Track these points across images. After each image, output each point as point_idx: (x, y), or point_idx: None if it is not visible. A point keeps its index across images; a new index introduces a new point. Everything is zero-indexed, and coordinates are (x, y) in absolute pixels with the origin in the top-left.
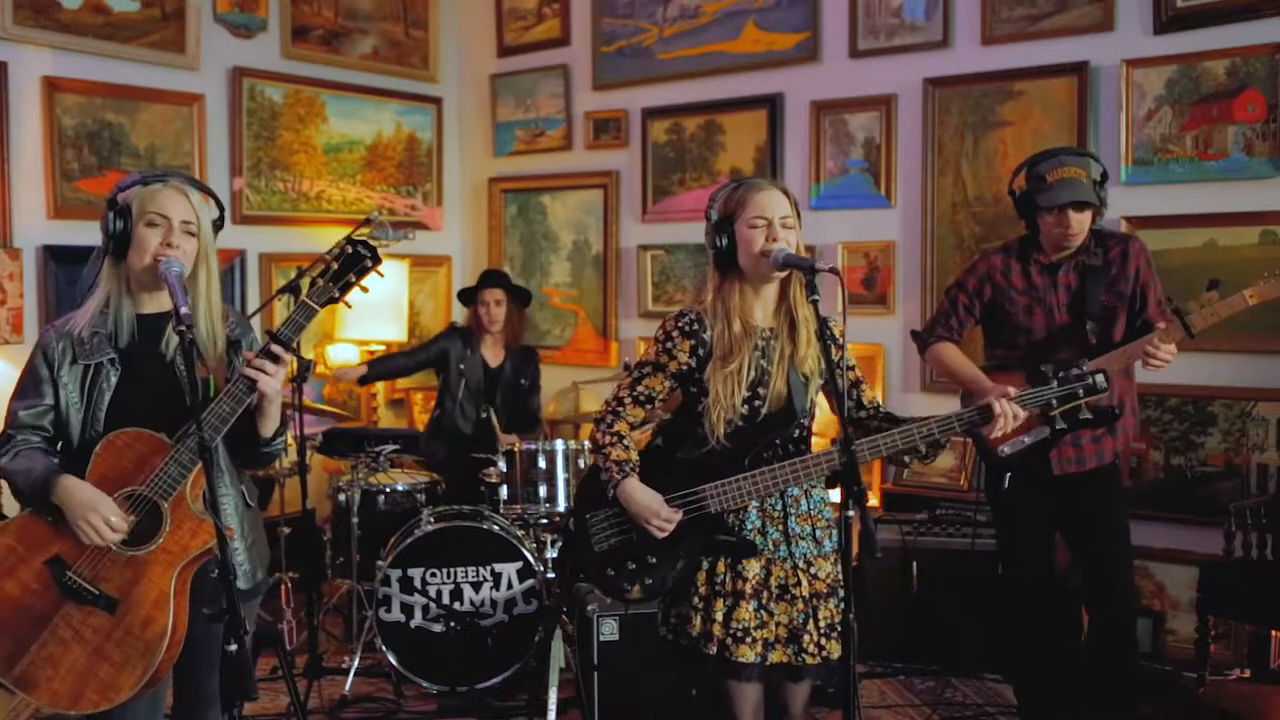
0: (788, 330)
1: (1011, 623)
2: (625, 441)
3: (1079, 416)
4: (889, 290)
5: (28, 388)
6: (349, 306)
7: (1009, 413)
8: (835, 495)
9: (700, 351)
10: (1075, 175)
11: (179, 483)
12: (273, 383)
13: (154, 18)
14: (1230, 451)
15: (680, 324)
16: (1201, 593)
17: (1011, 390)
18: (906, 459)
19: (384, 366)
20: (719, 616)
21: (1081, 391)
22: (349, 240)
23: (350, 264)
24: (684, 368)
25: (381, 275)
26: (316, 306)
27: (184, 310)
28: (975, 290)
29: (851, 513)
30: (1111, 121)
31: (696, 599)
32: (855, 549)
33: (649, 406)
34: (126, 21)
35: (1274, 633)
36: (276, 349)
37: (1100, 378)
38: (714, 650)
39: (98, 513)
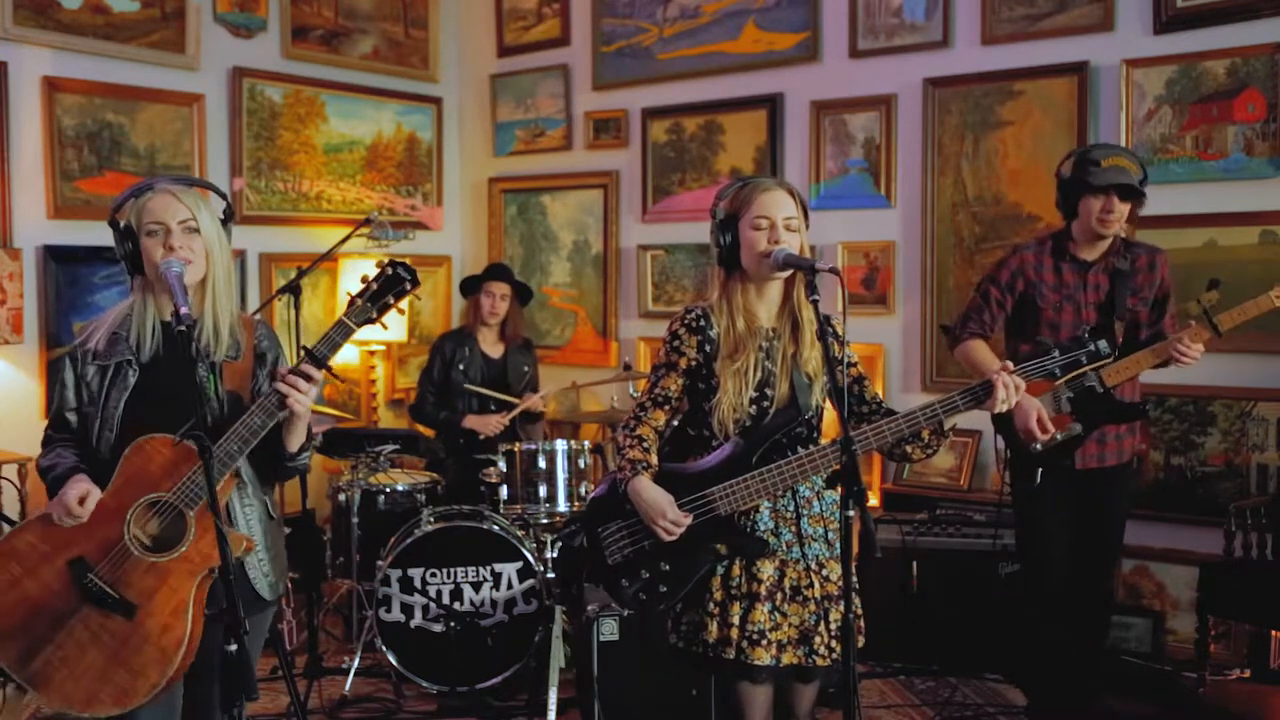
0: (790, 331)
1: (1027, 622)
2: (645, 444)
3: (1099, 407)
4: (889, 290)
5: (55, 390)
6: (385, 328)
7: (1010, 384)
8: (837, 495)
9: (707, 347)
10: (1128, 166)
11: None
12: (304, 400)
13: (154, 18)
14: (1230, 451)
15: (686, 320)
16: (1201, 593)
17: (1010, 364)
18: (909, 449)
19: (432, 410)
20: (736, 620)
21: (1085, 359)
22: (391, 263)
23: (390, 285)
24: (693, 363)
25: (419, 299)
26: (354, 326)
27: (184, 310)
28: (1008, 284)
29: (851, 513)
30: (1111, 121)
31: (712, 604)
32: (855, 549)
33: (667, 408)
34: (126, 21)
35: (1274, 633)
36: (309, 368)
37: (1103, 343)
38: (732, 655)
39: (69, 494)
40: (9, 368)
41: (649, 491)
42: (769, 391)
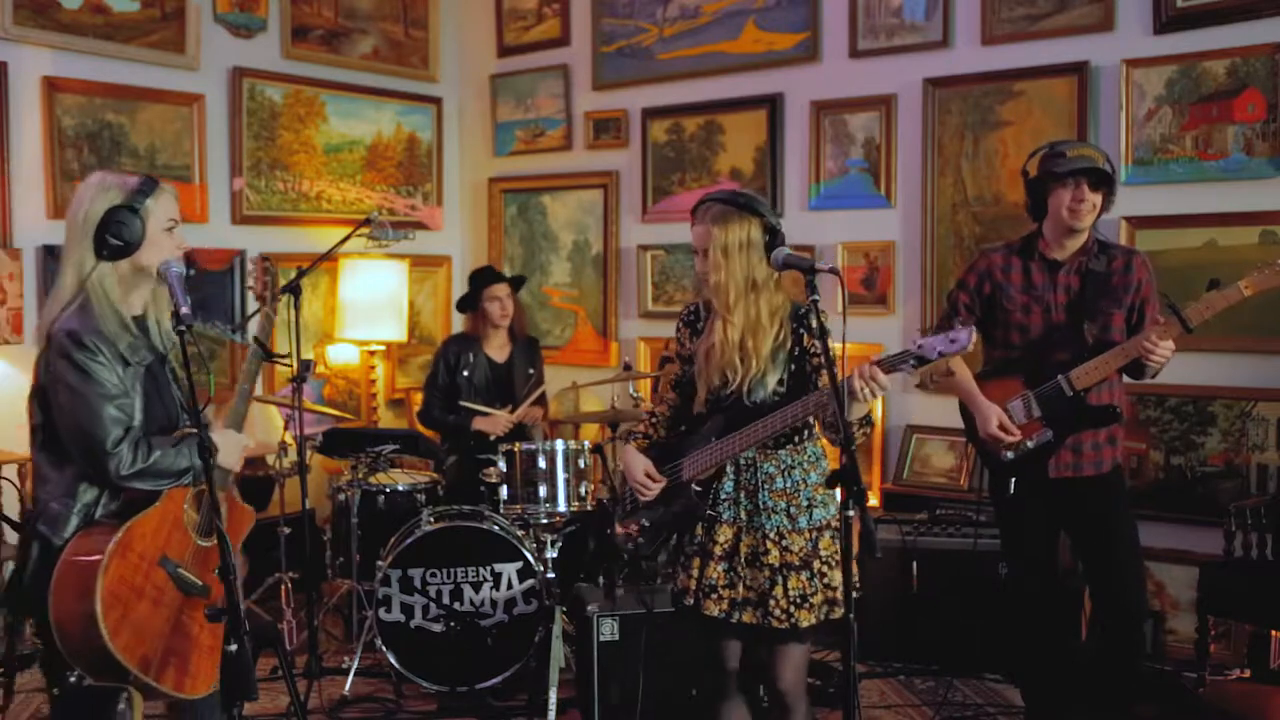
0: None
1: (1018, 626)
2: (653, 419)
3: (1070, 412)
4: (889, 290)
5: (115, 389)
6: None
7: (865, 374)
8: (837, 495)
9: (694, 339)
10: (1096, 156)
11: (229, 474)
12: None
13: (154, 18)
14: (1230, 451)
15: (684, 316)
16: (1201, 593)
17: (873, 357)
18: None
19: (440, 415)
20: (694, 573)
21: (914, 363)
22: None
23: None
24: (687, 352)
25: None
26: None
27: (185, 310)
28: (975, 288)
29: (852, 513)
30: (1111, 121)
31: (683, 558)
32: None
33: (676, 390)
34: (126, 21)
35: (1274, 633)
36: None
37: (965, 332)
38: (690, 602)
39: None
40: (9, 368)
41: (628, 456)
42: (730, 375)
